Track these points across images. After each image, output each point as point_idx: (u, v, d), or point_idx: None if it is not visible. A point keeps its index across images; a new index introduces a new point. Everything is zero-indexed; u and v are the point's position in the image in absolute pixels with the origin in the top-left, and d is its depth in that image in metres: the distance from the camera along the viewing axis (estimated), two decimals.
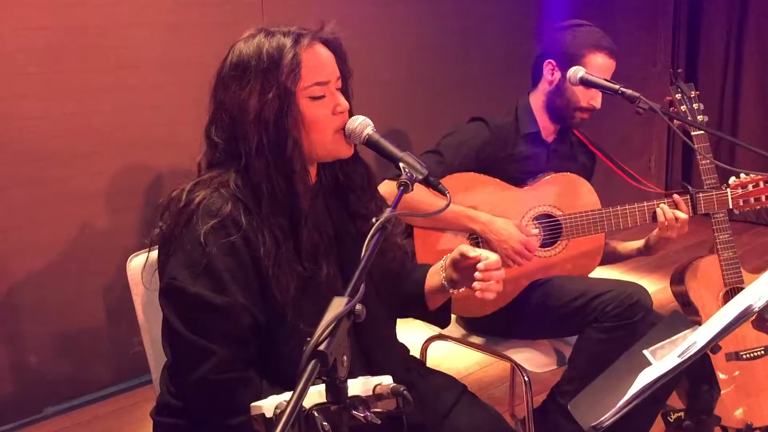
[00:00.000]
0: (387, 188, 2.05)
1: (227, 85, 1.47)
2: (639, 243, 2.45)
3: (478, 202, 2.31)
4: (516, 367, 2.28)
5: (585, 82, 2.05)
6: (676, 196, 2.30)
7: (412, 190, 1.37)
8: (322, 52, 1.50)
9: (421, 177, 1.39)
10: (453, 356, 3.39)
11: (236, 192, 1.44)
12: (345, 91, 1.54)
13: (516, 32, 4.40)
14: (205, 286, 1.38)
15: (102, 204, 3.05)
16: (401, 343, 1.76)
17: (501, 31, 4.40)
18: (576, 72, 2.07)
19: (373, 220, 1.22)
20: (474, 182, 2.34)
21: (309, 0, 3.41)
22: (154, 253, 1.50)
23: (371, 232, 1.17)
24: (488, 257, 1.52)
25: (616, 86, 1.94)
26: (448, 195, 1.37)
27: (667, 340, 1.46)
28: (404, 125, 4.00)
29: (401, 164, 1.41)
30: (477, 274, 1.51)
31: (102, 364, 3.13)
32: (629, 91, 1.90)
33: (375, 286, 1.58)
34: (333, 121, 1.49)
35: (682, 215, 2.29)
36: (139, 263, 1.67)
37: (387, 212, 1.22)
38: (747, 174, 2.34)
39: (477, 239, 2.32)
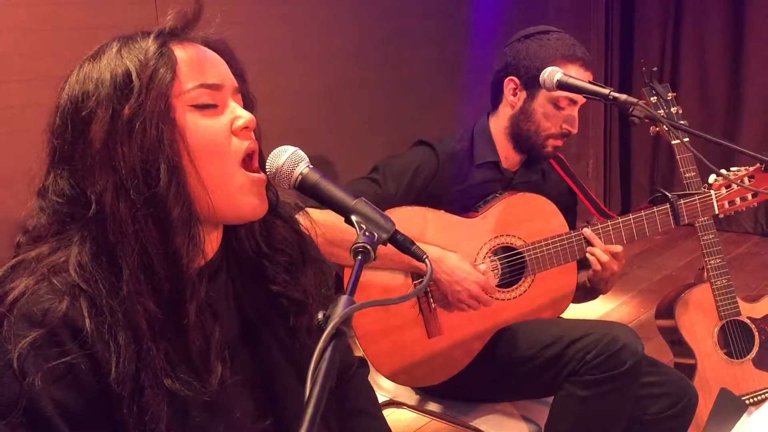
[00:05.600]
0: (315, 217, 1.54)
1: (65, 121, 0.98)
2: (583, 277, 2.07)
3: (422, 240, 1.88)
4: None
5: (564, 86, 1.60)
6: (585, 230, 1.95)
7: (375, 258, 0.92)
8: (208, 51, 1.04)
9: (385, 236, 0.95)
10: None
11: (78, 278, 0.93)
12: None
13: (450, 33, 3.99)
14: None
15: None
16: None
17: (433, 32, 3.98)
18: (552, 74, 1.63)
19: (319, 315, 0.77)
20: (414, 217, 1.91)
21: None
22: None
23: (320, 344, 0.72)
24: None
25: (606, 90, 1.49)
26: (427, 263, 0.93)
27: None
28: (324, 147, 3.39)
29: (354, 218, 0.97)
30: None
31: None
32: (623, 96, 1.45)
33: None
34: (234, 145, 1.01)
35: (615, 249, 1.97)
36: None
37: (340, 305, 0.78)
38: (729, 171, 2.00)
39: (422, 280, 1.88)
